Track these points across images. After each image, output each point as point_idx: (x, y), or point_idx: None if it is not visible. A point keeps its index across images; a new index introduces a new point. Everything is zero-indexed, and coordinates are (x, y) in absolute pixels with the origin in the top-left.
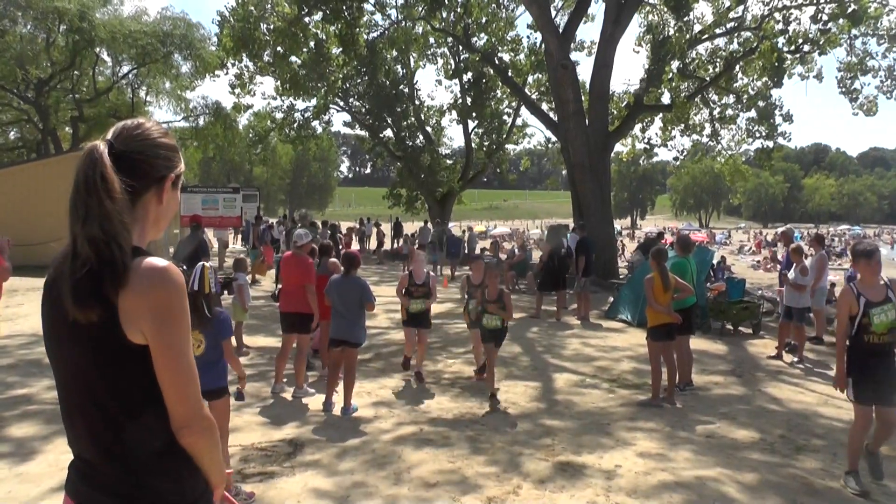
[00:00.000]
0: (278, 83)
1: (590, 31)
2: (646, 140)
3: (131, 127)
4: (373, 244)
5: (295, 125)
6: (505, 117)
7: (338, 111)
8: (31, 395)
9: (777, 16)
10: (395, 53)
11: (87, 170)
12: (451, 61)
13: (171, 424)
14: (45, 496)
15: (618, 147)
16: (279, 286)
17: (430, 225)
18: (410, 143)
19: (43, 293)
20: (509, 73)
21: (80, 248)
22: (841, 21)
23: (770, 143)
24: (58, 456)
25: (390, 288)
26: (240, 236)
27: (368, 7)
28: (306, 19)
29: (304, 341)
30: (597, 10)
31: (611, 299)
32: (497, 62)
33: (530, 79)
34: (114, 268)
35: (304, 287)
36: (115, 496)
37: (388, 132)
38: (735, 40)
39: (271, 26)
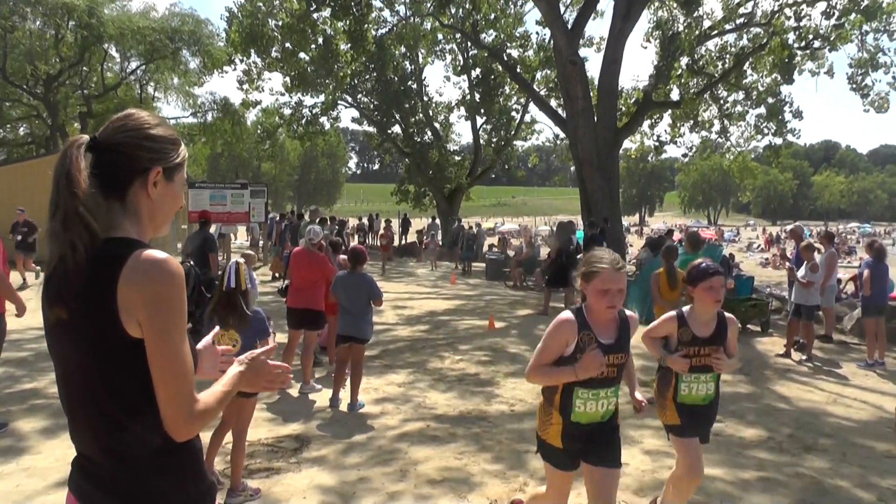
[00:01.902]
0: (286, 79)
1: (599, 28)
2: (654, 136)
3: (118, 118)
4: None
5: (303, 121)
6: (513, 114)
7: (346, 107)
8: (38, 388)
9: (787, 11)
10: (403, 49)
11: (59, 165)
12: (460, 57)
13: (162, 423)
14: (51, 490)
15: (626, 143)
16: (287, 281)
17: (437, 220)
18: (419, 140)
19: (42, 290)
20: (518, 70)
21: (50, 246)
22: (853, 16)
23: (779, 140)
24: (65, 450)
25: (398, 284)
26: (243, 231)
27: (377, 3)
28: (315, 15)
29: (311, 337)
30: (606, 6)
31: None
32: (505, 58)
33: (539, 75)
34: (64, 267)
35: (325, 281)
36: (115, 494)
37: (397, 128)
38: (745, 36)
39: (279, 22)
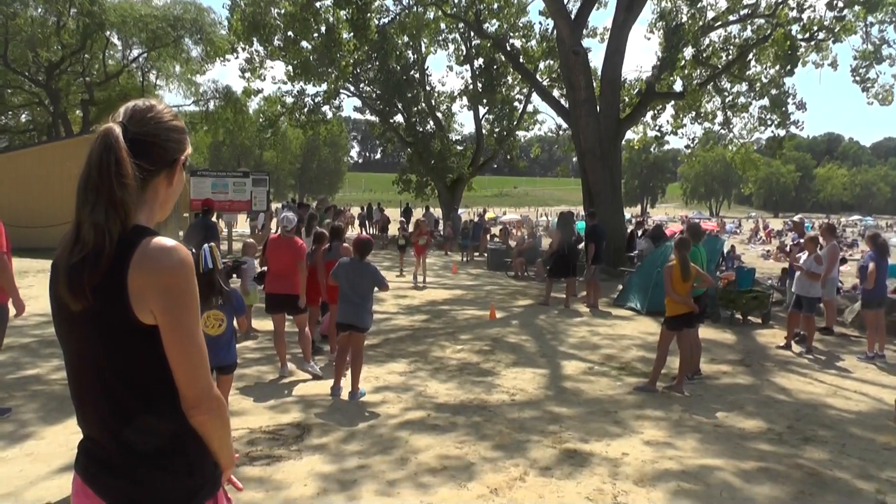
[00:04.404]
0: (289, 68)
1: (602, 18)
2: (657, 128)
3: (144, 109)
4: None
5: (305, 110)
6: (516, 104)
7: (348, 96)
8: (41, 375)
9: (791, 2)
10: (406, 39)
11: (102, 154)
12: (463, 47)
13: (181, 404)
14: (55, 475)
15: (629, 134)
16: (264, 268)
17: (433, 210)
18: (421, 129)
19: (50, 275)
20: (521, 60)
21: (84, 234)
22: (856, 8)
23: (782, 132)
24: (68, 436)
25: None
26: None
27: None
28: (317, 4)
29: (301, 320)
30: None
31: (620, 287)
32: (508, 48)
33: (542, 65)
34: (94, 256)
35: (297, 266)
36: (122, 477)
37: (399, 117)
38: (748, 27)
39: (282, 11)
